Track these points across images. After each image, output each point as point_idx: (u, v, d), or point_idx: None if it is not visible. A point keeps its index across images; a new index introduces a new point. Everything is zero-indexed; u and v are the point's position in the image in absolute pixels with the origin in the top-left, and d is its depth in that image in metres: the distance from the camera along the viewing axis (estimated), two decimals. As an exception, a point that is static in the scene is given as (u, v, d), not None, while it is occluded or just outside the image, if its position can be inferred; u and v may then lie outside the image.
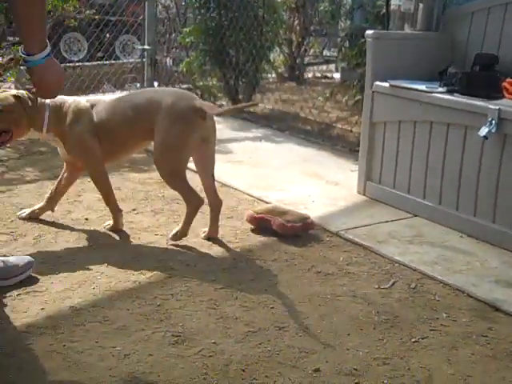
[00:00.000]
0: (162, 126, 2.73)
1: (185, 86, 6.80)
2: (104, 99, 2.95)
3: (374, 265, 2.74)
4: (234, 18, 5.63)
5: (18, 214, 3.01)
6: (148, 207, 3.26)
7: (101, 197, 2.98)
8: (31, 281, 2.41)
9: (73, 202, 3.29)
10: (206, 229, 2.94)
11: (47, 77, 1.91)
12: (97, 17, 7.39)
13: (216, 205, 2.95)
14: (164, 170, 2.84)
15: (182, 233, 2.86)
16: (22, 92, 2.68)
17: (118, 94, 3.07)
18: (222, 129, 5.05)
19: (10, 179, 3.60)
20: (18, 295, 2.30)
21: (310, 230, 3.04)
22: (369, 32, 3.37)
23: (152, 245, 2.83)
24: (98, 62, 8.10)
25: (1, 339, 2.03)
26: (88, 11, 6.44)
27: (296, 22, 7.77)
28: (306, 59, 8.34)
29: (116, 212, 2.93)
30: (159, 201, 3.39)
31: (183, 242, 2.86)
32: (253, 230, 3.04)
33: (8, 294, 2.30)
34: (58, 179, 3.01)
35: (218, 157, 4.21)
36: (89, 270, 2.53)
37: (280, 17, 5.90)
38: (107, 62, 8.17)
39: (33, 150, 4.18)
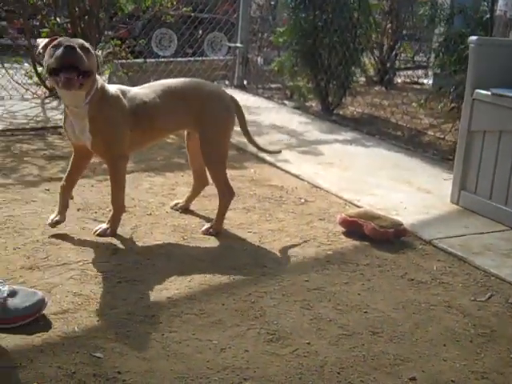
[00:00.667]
0: (210, 115, 2.85)
1: (274, 85, 6.86)
2: (135, 88, 2.84)
3: (469, 276, 2.68)
4: (329, 19, 5.62)
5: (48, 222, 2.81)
6: (240, 204, 3.29)
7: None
8: (131, 270, 2.47)
9: (167, 194, 3.36)
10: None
11: None
12: (193, 14, 7.54)
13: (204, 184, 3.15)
14: (212, 158, 2.91)
15: (216, 228, 2.91)
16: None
17: (152, 83, 2.93)
18: (311, 130, 5.07)
19: (107, 169, 3.69)
20: (118, 282, 2.37)
21: (403, 237, 3.00)
22: (472, 38, 3.30)
23: (245, 242, 2.85)
24: (190, 59, 8.26)
25: (103, 324, 2.09)
26: (185, 8, 6.57)
27: (388, 25, 7.70)
28: (397, 64, 8.24)
29: (120, 213, 2.83)
30: (251, 198, 3.42)
31: (275, 240, 2.88)
32: (344, 233, 3.03)
33: (108, 282, 2.37)
34: (68, 172, 2.86)
35: (307, 158, 4.28)
36: (184, 262, 2.58)
37: (375, 20, 5.83)
38: (199, 58, 8.33)
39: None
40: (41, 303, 2.10)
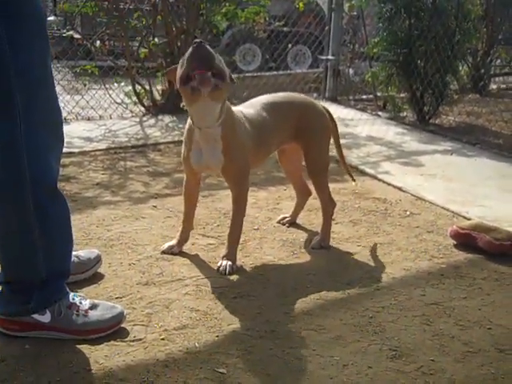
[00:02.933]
0: (310, 126, 2.87)
1: (365, 96, 6.79)
2: (241, 108, 2.79)
3: None
4: (426, 27, 5.51)
5: (162, 248, 2.79)
6: (346, 218, 3.26)
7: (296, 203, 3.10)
8: (245, 285, 2.48)
9: (272, 208, 3.37)
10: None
11: None
12: (284, 28, 7.58)
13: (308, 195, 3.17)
14: (316, 168, 2.93)
15: (325, 240, 2.89)
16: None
17: (252, 101, 2.89)
18: (409, 141, 4.98)
19: (210, 184, 3.74)
20: (233, 298, 2.38)
21: (519, 250, 2.88)
22: None
23: (356, 256, 2.81)
24: (275, 72, 8.31)
25: (223, 340, 2.10)
26: (278, 23, 6.63)
27: (484, 30, 7.48)
28: (492, 69, 7.99)
29: (237, 245, 2.69)
30: (356, 211, 3.37)
31: (386, 254, 2.82)
32: (456, 246, 2.94)
33: (224, 297, 2.38)
34: (186, 199, 2.80)
35: (409, 169, 4.19)
36: (298, 277, 2.57)
37: (475, 25, 5.66)
38: (284, 72, 8.36)
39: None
40: (120, 316, 2.13)
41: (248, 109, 2.79)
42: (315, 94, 7.40)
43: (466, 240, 2.93)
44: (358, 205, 3.49)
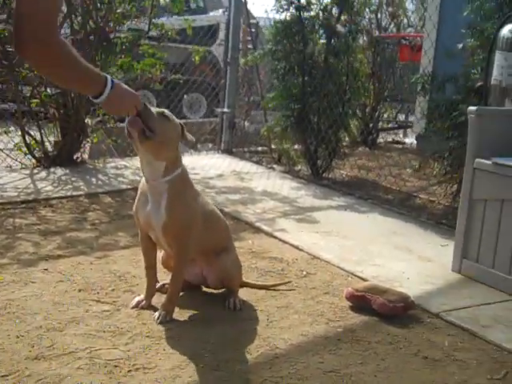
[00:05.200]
0: None
1: (261, 147, 6.89)
2: None
3: (483, 352, 2.64)
4: (318, 84, 5.69)
5: (131, 304, 2.83)
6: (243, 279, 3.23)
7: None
8: (141, 356, 2.39)
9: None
10: None
11: (115, 104, 2.30)
12: (175, 76, 7.58)
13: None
14: None
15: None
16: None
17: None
18: (304, 196, 5.07)
19: (105, 244, 3.64)
20: (128, 371, 2.29)
21: (411, 311, 2.96)
22: (471, 108, 3.34)
23: (253, 321, 2.79)
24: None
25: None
26: (174, 76, 6.63)
27: (371, 87, 7.82)
28: (380, 124, 8.35)
29: (177, 296, 2.80)
30: (253, 272, 3.38)
31: (283, 318, 2.82)
32: (351, 308, 2.99)
33: (118, 371, 2.29)
34: (144, 252, 2.88)
35: (304, 226, 4.26)
36: (194, 346, 2.51)
37: (363, 84, 5.91)
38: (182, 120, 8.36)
39: (122, 213, 4.25)
40: None
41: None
42: (210, 145, 7.47)
43: (360, 302, 2.98)
44: (255, 265, 3.49)
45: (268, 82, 6.77)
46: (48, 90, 5.51)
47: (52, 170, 5.34)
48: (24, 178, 5.07)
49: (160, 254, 2.96)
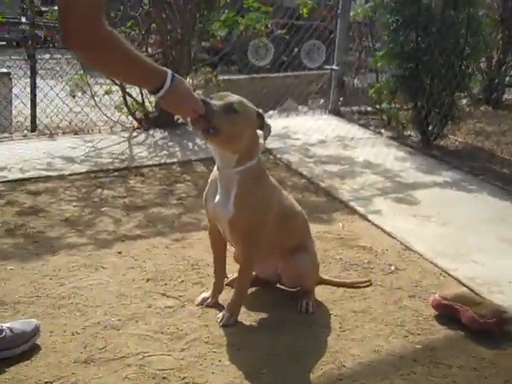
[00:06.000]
0: None
1: (369, 108, 6.49)
2: None
3: None
4: (434, 41, 5.19)
5: (196, 301, 2.69)
6: (323, 274, 3.00)
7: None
8: (193, 368, 2.25)
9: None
10: None
11: (172, 100, 2.14)
12: (281, 32, 7.25)
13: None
14: None
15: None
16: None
17: None
18: (408, 169, 4.70)
19: (186, 223, 3.52)
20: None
21: (506, 326, 2.62)
22: None
23: (325, 329, 2.57)
24: (284, 74, 8.01)
25: None
26: (280, 31, 6.33)
27: (499, 35, 7.11)
28: (507, 79, 7.63)
29: (243, 297, 2.60)
30: (337, 265, 3.14)
31: (358, 326, 2.58)
32: (436, 317, 2.69)
33: (165, 382, 2.16)
34: (212, 246, 2.71)
35: (402, 208, 3.93)
36: (254, 359, 2.33)
37: (486, 40, 5.31)
38: (293, 73, 8.05)
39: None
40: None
41: None
42: (321, 101, 7.14)
43: (447, 312, 2.68)
44: (340, 255, 3.24)
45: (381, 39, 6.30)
46: (149, 49, 5.42)
47: (151, 132, 5.29)
48: (122, 141, 5.05)
49: (232, 248, 2.78)
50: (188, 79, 5.63)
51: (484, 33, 5.39)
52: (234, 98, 2.37)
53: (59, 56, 6.34)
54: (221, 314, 2.56)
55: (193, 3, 5.35)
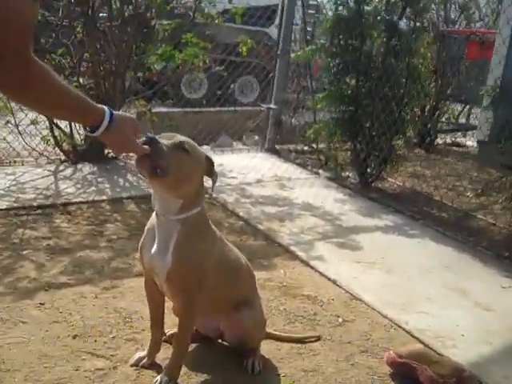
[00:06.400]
0: None
1: (306, 147, 6.39)
2: None
3: None
4: (374, 86, 5.13)
5: (131, 361, 2.42)
6: (268, 328, 2.77)
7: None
8: None
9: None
10: None
11: (114, 139, 1.91)
12: (219, 68, 7.11)
13: None
14: None
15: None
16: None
17: None
18: (348, 212, 4.57)
19: (117, 269, 3.24)
20: None
21: (465, 386, 2.46)
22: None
23: (272, 393, 2.34)
24: (220, 109, 7.87)
25: None
26: (218, 67, 6.16)
27: (432, 84, 7.20)
28: (438, 125, 7.71)
29: (182, 359, 2.32)
30: (280, 317, 2.92)
31: (309, 389, 2.37)
32: (392, 376, 2.51)
33: None
34: (149, 299, 2.43)
35: (345, 254, 3.76)
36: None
37: (424, 87, 5.31)
38: (230, 108, 7.88)
39: (143, 227, 3.82)
40: None
41: None
42: (256, 137, 7.00)
43: (404, 370, 2.50)
44: (284, 306, 3.03)
45: (319, 80, 6.22)
46: (81, 79, 5.13)
47: (80, 166, 4.98)
48: (47, 175, 4.72)
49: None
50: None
51: (423, 82, 5.41)
52: (183, 138, 2.14)
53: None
54: (159, 378, 2.27)
55: (130, 35, 5.12)
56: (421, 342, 2.76)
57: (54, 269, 3.16)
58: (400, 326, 2.91)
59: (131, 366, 2.38)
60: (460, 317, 3.06)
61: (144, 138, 2.01)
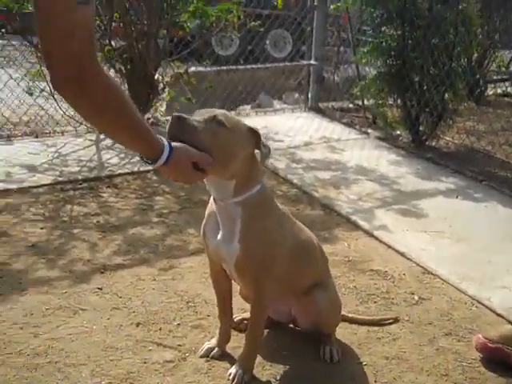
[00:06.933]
0: None
1: (351, 104, 6.12)
2: None
3: None
4: (421, 37, 4.82)
5: (199, 352, 2.24)
6: (340, 309, 2.58)
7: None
8: None
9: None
10: None
11: (171, 172, 1.79)
12: (255, 23, 6.79)
13: None
14: None
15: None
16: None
17: None
18: (405, 175, 4.32)
19: (172, 247, 3.06)
20: None
21: None
22: None
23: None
24: (253, 66, 7.57)
25: None
26: (253, 23, 5.84)
27: (479, 30, 6.81)
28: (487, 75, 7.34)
29: (256, 350, 2.17)
30: (351, 295, 2.72)
31: (395, 378, 2.17)
32: (483, 361, 2.30)
33: None
34: (215, 287, 2.27)
35: (409, 222, 3.52)
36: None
37: (477, 36, 4.97)
38: (263, 65, 7.59)
39: (194, 199, 3.65)
40: None
41: None
42: (296, 95, 6.75)
43: (496, 356, 2.29)
44: (353, 282, 2.83)
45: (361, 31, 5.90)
46: (112, 42, 4.89)
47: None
48: (89, 145, 4.54)
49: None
50: (157, 75, 5.14)
51: (475, 29, 5.07)
52: (218, 111, 1.90)
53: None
54: (233, 370, 2.11)
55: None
56: (509, 321, 2.54)
57: (107, 249, 2.99)
58: (482, 304, 2.70)
59: (200, 357, 2.21)
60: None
61: (171, 118, 1.80)
